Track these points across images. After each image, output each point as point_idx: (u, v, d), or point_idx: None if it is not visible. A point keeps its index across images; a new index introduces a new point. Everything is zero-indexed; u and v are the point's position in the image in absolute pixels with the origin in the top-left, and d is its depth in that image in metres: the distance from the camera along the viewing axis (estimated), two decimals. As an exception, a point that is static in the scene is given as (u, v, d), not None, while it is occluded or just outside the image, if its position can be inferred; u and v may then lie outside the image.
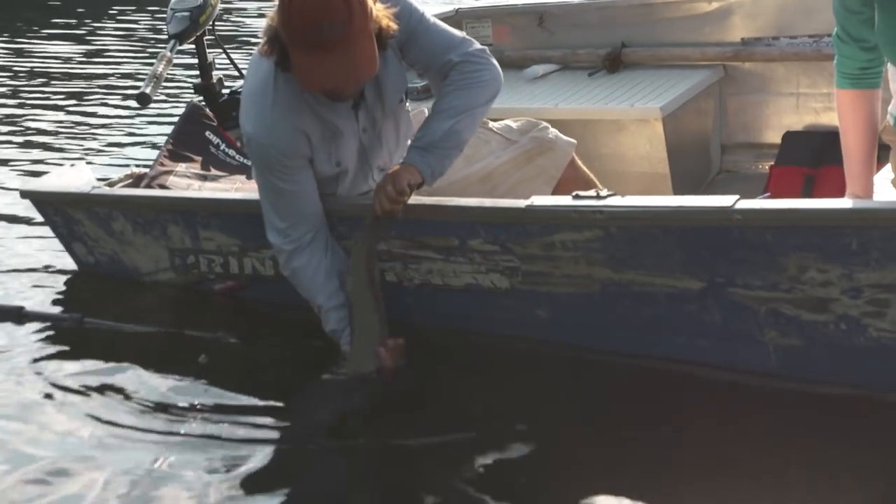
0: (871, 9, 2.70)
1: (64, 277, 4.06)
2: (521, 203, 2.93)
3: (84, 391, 3.19)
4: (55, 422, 3.06)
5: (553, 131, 3.35)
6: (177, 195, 3.71)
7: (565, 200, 2.89)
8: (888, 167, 3.01)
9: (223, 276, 3.63)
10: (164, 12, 4.19)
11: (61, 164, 4.86)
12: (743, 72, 4.21)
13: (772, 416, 2.75)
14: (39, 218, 4.13)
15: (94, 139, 6.17)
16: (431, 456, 2.76)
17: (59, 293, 3.95)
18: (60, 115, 6.77)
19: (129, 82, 7.51)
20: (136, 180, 3.95)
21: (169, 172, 3.88)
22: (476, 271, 3.10)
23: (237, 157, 4.03)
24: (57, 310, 3.77)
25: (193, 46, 4.24)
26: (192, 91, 4.46)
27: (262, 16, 8.74)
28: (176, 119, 4.24)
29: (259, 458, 2.80)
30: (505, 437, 2.78)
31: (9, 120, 6.70)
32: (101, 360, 3.39)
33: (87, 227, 3.87)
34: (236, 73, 4.46)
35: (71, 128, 6.46)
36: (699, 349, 2.92)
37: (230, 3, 10.51)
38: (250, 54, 3.33)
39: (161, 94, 4.97)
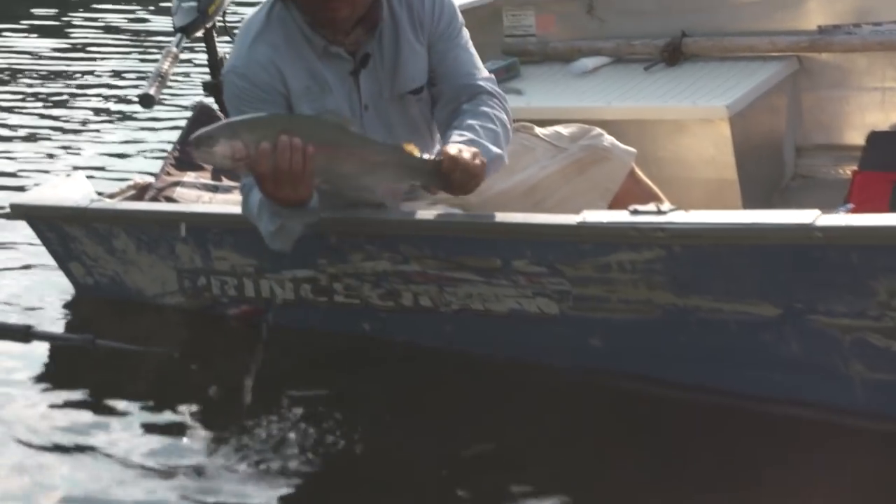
0: None
1: (67, 296, 4.08)
2: (573, 219, 2.92)
3: (94, 417, 3.25)
4: (64, 449, 3.12)
5: (609, 139, 3.33)
6: (185, 209, 3.72)
7: (622, 216, 2.88)
8: None
9: (238, 300, 3.62)
10: (168, 1, 4.19)
11: (56, 175, 4.87)
12: (820, 64, 4.21)
13: (859, 458, 2.72)
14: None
15: (92, 146, 6.19)
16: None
17: (63, 313, 3.97)
18: (53, 120, 6.76)
19: (131, 81, 7.55)
20: (140, 192, 3.99)
21: (176, 183, 3.91)
22: (521, 295, 3.09)
23: (252, 165, 4.03)
24: (65, 330, 3.81)
25: (202, 41, 4.24)
26: (200, 91, 4.47)
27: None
28: (183, 122, 4.24)
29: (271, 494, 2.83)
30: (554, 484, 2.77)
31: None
32: (111, 383, 3.43)
33: (86, 245, 3.87)
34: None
35: (66, 134, 6.47)
36: (774, 383, 2.91)
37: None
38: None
39: (166, 93, 4.97)
